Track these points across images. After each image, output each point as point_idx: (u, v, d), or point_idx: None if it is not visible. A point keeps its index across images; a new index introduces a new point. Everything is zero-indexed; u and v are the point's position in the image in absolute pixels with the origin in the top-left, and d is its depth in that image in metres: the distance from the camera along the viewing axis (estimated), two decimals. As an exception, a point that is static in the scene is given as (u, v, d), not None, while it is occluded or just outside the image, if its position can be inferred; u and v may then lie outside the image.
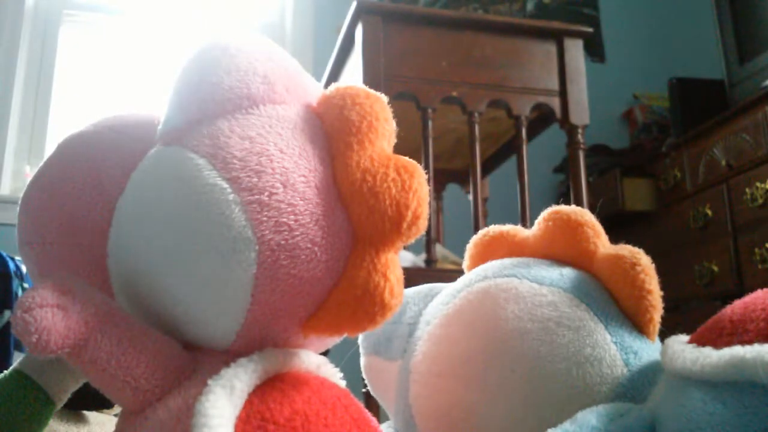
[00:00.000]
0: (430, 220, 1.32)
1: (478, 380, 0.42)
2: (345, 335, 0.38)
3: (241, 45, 0.38)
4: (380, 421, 0.60)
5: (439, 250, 1.53)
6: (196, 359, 0.37)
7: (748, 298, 0.35)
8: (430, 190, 1.27)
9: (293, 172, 0.34)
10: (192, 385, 0.35)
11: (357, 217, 0.34)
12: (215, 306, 0.34)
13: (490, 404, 0.41)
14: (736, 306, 0.35)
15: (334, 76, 1.57)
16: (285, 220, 0.33)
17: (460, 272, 0.55)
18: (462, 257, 0.57)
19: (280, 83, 0.38)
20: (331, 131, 0.36)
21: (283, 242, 0.33)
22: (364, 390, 0.79)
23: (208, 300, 0.34)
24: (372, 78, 1.27)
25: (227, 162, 0.34)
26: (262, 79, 0.37)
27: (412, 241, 0.36)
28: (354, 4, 1.30)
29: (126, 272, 0.38)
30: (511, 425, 0.40)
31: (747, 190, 1.72)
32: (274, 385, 0.34)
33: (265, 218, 0.33)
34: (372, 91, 0.40)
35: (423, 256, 1.34)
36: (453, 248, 1.69)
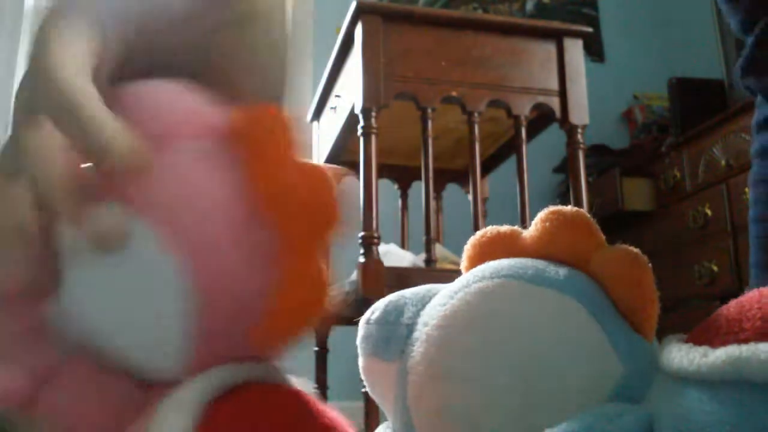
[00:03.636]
0: (430, 220, 1.33)
1: (476, 381, 0.42)
2: (298, 337, 0.37)
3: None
4: (380, 421, 0.60)
5: (439, 250, 1.54)
6: (149, 396, 0.35)
7: (744, 297, 0.35)
8: (430, 190, 1.25)
9: (212, 203, 0.34)
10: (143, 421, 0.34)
11: (280, 226, 0.34)
12: (154, 340, 0.34)
13: (488, 405, 0.41)
14: (732, 305, 0.35)
15: (333, 76, 1.57)
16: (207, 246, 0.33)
17: (460, 272, 0.55)
18: (462, 257, 0.57)
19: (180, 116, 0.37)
20: (243, 149, 0.36)
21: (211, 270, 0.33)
22: (363, 390, 0.79)
23: (145, 335, 0.34)
24: (372, 78, 1.28)
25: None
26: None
27: (338, 240, 0.36)
28: (354, 4, 1.31)
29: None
30: (509, 426, 0.40)
31: (746, 190, 1.72)
32: (227, 400, 0.33)
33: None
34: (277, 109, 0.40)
35: (423, 256, 1.34)
36: (453, 248, 1.69)
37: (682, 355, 0.36)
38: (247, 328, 0.34)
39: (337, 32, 1.51)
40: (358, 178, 1.31)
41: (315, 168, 0.36)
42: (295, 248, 0.34)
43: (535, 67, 1.37)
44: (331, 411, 0.38)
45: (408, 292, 0.51)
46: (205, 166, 0.34)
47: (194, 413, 0.32)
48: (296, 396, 0.36)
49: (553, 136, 1.66)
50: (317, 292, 0.34)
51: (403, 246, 1.83)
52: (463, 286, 0.47)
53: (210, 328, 0.34)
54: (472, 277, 0.47)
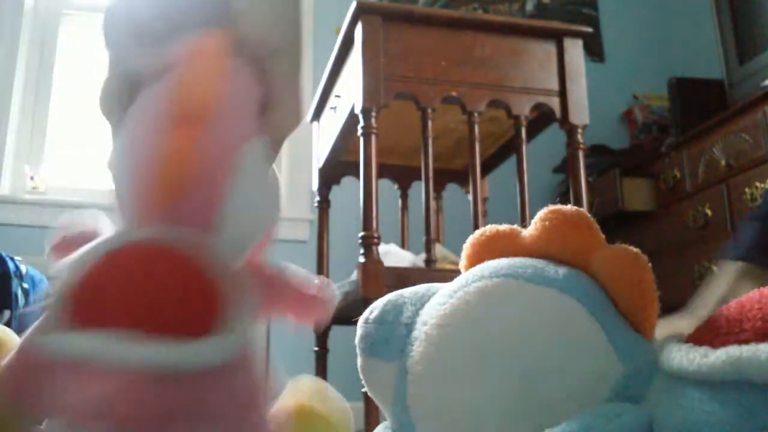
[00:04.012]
0: (430, 220, 1.33)
1: (475, 380, 0.41)
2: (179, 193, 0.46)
3: None
4: (379, 421, 0.60)
5: (439, 250, 1.54)
6: None
7: (744, 298, 0.35)
8: (430, 190, 1.25)
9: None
10: None
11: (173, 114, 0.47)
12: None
13: (487, 404, 0.41)
14: (732, 305, 0.35)
15: (333, 76, 1.57)
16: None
17: (460, 272, 0.54)
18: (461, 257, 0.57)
19: None
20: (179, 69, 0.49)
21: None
22: (363, 390, 0.79)
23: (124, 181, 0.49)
24: (371, 78, 1.28)
25: None
26: None
27: (209, 119, 0.47)
28: (354, 4, 1.30)
29: None
30: (509, 425, 0.40)
31: (747, 190, 1.72)
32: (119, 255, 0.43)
33: None
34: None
35: (423, 256, 1.34)
36: (453, 248, 1.69)
37: (682, 355, 0.36)
38: (150, 188, 0.47)
39: (337, 32, 1.51)
40: (358, 178, 1.31)
41: (219, 73, 0.49)
42: (175, 132, 0.47)
43: (535, 67, 1.37)
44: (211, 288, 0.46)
45: (407, 291, 0.51)
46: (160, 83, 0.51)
47: (96, 255, 0.43)
48: (179, 261, 0.45)
49: (553, 136, 1.66)
50: (183, 164, 0.47)
51: (403, 246, 1.83)
52: (463, 286, 0.47)
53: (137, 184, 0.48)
54: (471, 277, 0.47)
